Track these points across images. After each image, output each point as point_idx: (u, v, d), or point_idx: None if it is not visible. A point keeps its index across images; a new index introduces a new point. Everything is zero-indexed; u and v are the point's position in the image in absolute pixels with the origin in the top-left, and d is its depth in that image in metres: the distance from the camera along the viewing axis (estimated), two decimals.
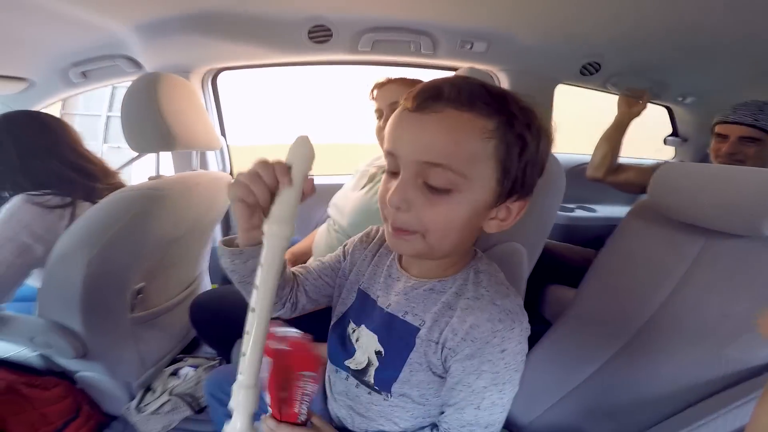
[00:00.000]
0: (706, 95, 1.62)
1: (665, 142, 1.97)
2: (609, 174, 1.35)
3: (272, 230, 0.41)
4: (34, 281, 0.95)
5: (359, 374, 0.54)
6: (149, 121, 0.90)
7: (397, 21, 1.17)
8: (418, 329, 0.49)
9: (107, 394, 1.06)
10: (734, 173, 0.58)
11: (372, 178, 1.01)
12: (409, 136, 0.43)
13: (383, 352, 0.51)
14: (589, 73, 1.43)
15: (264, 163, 0.41)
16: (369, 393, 0.53)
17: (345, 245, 0.63)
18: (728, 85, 1.51)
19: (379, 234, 0.62)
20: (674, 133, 1.92)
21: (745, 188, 0.55)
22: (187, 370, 1.18)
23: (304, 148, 0.42)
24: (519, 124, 0.42)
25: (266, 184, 0.41)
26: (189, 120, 0.98)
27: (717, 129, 1.22)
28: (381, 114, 1.00)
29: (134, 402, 1.06)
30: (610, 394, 0.65)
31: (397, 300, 0.52)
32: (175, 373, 1.18)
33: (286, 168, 0.41)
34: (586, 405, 0.69)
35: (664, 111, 1.89)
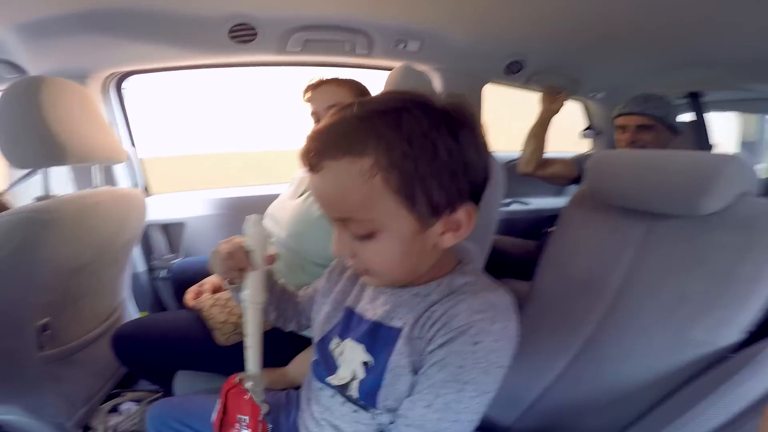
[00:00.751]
0: (614, 90, 1.77)
1: (582, 135, 2.14)
2: (538, 168, 1.44)
3: (250, 301, 0.54)
4: None
5: (343, 389, 0.51)
6: (30, 133, 0.75)
7: (329, 19, 1.11)
8: (400, 329, 0.47)
9: None
10: (668, 157, 0.60)
11: (309, 186, 0.94)
12: (318, 198, 0.44)
13: (372, 362, 0.48)
14: (512, 72, 1.49)
15: (228, 254, 0.53)
16: (355, 411, 0.50)
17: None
18: (633, 80, 1.66)
19: None
20: (589, 127, 2.09)
21: (680, 170, 0.57)
22: (128, 406, 1.08)
23: (258, 231, 0.54)
24: (396, 143, 0.38)
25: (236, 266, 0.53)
26: (82, 130, 0.84)
27: (616, 121, 1.37)
28: (318, 118, 0.93)
29: None
30: (585, 388, 0.64)
31: (383, 309, 0.50)
32: (115, 410, 1.07)
33: (246, 258, 0.53)
34: (564, 401, 0.68)
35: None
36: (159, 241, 1.46)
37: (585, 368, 0.65)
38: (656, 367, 0.57)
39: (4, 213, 0.75)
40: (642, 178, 0.61)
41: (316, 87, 0.94)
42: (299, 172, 1.06)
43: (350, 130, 0.40)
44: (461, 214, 0.43)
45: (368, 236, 0.42)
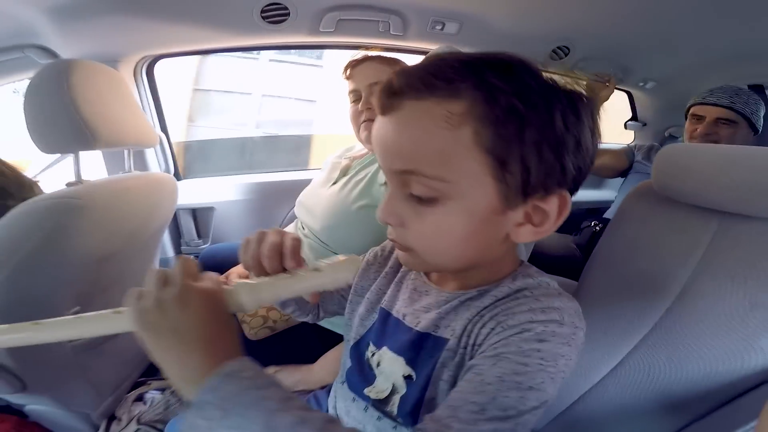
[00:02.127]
0: (666, 80, 1.66)
1: (626, 126, 2.02)
2: None
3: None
4: None
5: (381, 404, 0.45)
6: (60, 117, 0.73)
7: None
8: (447, 340, 0.40)
9: (65, 427, 0.93)
10: (750, 153, 0.54)
11: (345, 171, 0.89)
12: (379, 145, 0.37)
13: (414, 376, 0.42)
14: (558, 58, 1.42)
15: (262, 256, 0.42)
16: (394, 428, 0.44)
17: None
18: (687, 71, 1.56)
19: None
20: (634, 118, 1.97)
21: (764, 168, 0.51)
22: (152, 395, 1.07)
23: (347, 273, 0.40)
24: (504, 95, 0.32)
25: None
26: (114, 113, 0.82)
27: (693, 110, 1.25)
28: (358, 96, 0.87)
29: None
30: (630, 395, 0.60)
31: (427, 316, 0.44)
32: (140, 399, 1.06)
33: (279, 262, 0.41)
34: (602, 408, 0.63)
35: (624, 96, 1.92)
36: (188, 226, 1.46)
37: (632, 374, 0.61)
38: (715, 375, 0.53)
39: (34, 199, 0.75)
40: (721, 174, 0.55)
41: (359, 63, 0.89)
42: (330, 157, 1.02)
43: (445, 68, 0.33)
44: (553, 202, 0.36)
45: (431, 201, 0.35)
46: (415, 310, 0.46)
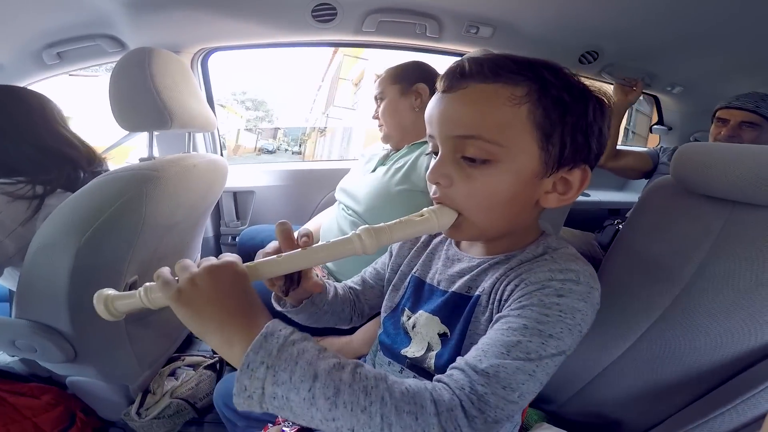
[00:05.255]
0: (693, 85, 1.68)
1: (651, 130, 2.03)
2: (609, 160, 1.40)
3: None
4: (3, 281, 0.86)
5: (417, 362, 0.50)
6: (143, 98, 0.83)
7: (404, 2, 1.14)
8: (479, 297, 0.47)
9: (103, 400, 0.98)
10: (758, 150, 0.59)
11: (385, 160, 0.98)
12: (441, 115, 0.44)
13: (449, 333, 0.48)
14: (587, 62, 1.46)
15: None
16: None
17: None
18: (715, 76, 1.57)
19: None
20: (660, 122, 1.98)
21: None
22: (184, 371, 1.12)
23: (449, 218, 0.45)
24: (554, 88, 0.41)
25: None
26: (184, 98, 0.91)
27: (719, 114, 1.28)
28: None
29: (134, 406, 0.98)
30: (646, 370, 0.65)
31: (460, 281, 0.50)
32: (172, 374, 1.11)
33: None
34: (616, 387, 0.68)
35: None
36: (229, 208, 1.57)
37: (650, 349, 0.65)
38: (727, 348, 0.57)
39: (115, 170, 0.83)
40: (733, 168, 0.59)
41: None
42: (368, 149, 1.11)
43: (509, 63, 0.42)
44: (577, 174, 0.45)
45: (483, 162, 0.42)
46: (449, 275, 0.52)
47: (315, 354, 0.34)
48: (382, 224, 0.44)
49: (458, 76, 0.43)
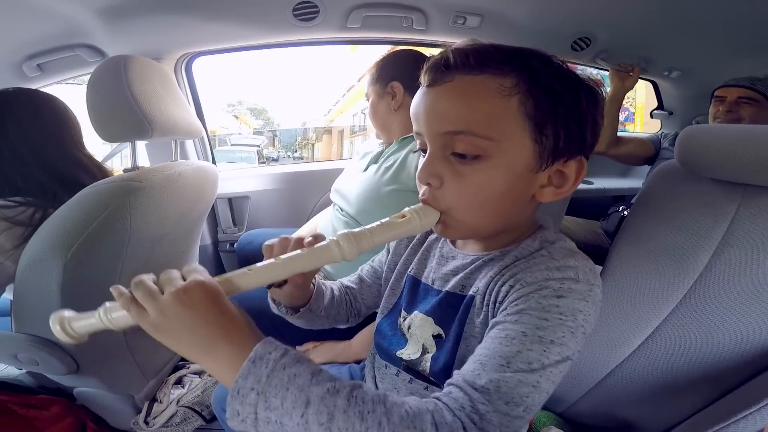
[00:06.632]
0: (691, 69, 1.66)
1: (651, 115, 2.00)
2: (611, 147, 1.38)
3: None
4: (7, 293, 0.85)
5: (413, 365, 0.48)
6: (121, 107, 0.80)
7: None
8: (473, 297, 0.44)
9: (111, 409, 0.98)
10: (764, 129, 0.55)
11: (377, 158, 0.95)
12: (427, 111, 0.42)
13: (443, 335, 0.46)
14: (579, 49, 1.43)
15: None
16: (425, 388, 0.48)
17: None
18: (712, 60, 1.55)
19: None
20: (660, 107, 1.95)
21: None
22: (191, 378, 1.12)
23: (431, 218, 0.43)
24: (544, 77, 0.39)
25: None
26: (165, 105, 0.88)
27: (716, 93, 1.29)
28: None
29: (141, 415, 0.98)
30: (660, 369, 0.61)
31: (454, 279, 0.48)
32: (179, 382, 1.11)
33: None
34: (634, 383, 0.65)
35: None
36: (225, 214, 1.54)
37: (664, 346, 0.61)
38: (747, 344, 0.54)
39: (97, 182, 0.80)
40: (739, 150, 0.56)
41: None
42: (363, 147, 1.08)
43: (495, 52, 0.40)
44: (573, 166, 0.42)
45: (474, 158, 0.40)
46: (443, 274, 0.50)
47: (308, 378, 0.32)
48: (362, 228, 0.42)
49: (442, 68, 0.40)
